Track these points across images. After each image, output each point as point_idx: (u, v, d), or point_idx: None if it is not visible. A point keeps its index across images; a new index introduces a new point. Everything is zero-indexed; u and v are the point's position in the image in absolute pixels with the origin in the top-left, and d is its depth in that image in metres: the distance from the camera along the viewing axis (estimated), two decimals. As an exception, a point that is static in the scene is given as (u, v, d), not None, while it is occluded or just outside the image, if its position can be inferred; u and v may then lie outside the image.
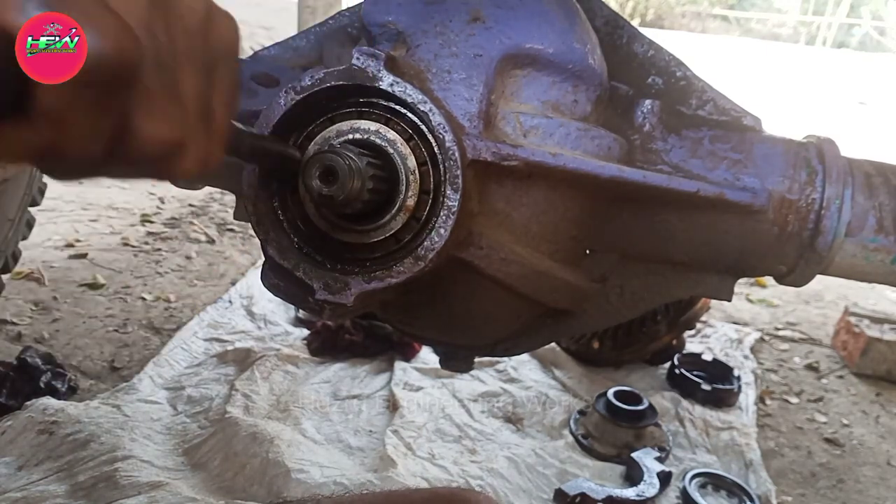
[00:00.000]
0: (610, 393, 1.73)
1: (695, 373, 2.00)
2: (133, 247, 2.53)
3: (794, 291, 2.75)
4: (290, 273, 0.60)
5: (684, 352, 2.10)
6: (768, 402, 2.06)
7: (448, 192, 0.59)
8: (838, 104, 8.89)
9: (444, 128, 0.59)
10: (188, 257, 2.53)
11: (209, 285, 2.33)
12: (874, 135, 6.62)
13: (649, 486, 1.50)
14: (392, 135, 0.61)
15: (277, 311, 2.14)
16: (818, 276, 0.82)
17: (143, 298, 2.18)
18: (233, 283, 2.33)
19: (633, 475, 1.56)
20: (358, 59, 0.59)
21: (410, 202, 0.61)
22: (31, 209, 1.79)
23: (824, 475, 1.76)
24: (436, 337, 0.90)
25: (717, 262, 0.82)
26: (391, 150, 0.61)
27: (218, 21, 0.44)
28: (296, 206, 0.64)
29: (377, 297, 0.60)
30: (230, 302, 2.16)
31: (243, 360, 1.82)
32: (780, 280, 0.84)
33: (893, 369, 2.25)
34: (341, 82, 0.59)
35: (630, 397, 1.74)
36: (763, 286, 2.90)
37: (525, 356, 2.03)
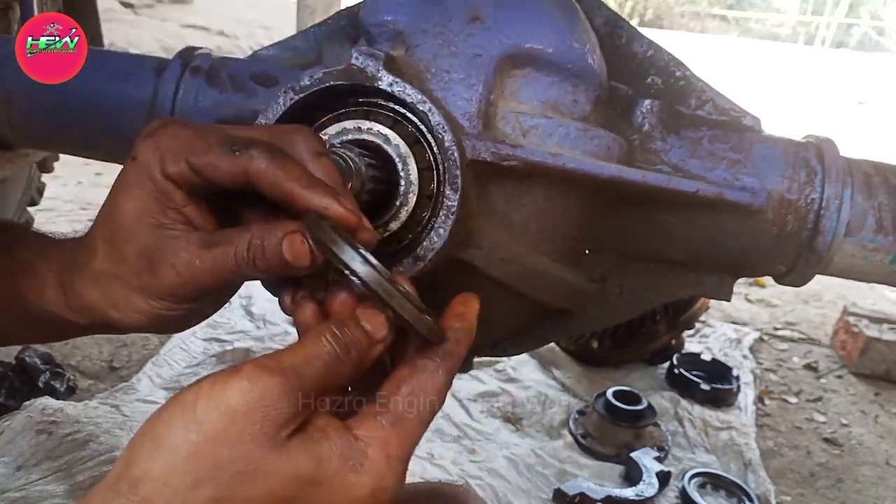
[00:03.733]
0: (609, 393, 1.74)
1: (694, 372, 2.00)
2: (132, 246, 2.52)
3: (792, 291, 2.75)
4: (290, 273, 0.60)
5: (683, 351, 2.10)
6: (767, 401, 2.07)
7: (447, 192, 0.59)
8: (837, 104, 8.89)
9: (443, 128, 0.59)
10: (187, 257, 2.53)
11: (208, 285, 2.33)
12: (873, 134, 6.63)
13: (648, 486, 1.50)
14: (395, 137, 0.61)
15: (276, 310, 2.13)
16: (817, 276, 0.83)
17: (142, 298, 2.17)
18: (232, 283, 2.33)
19: (632, 475, 1.56)
20: (357, 58, 0.59)
21: (409, 204, 0.61)
22: (30, 209, 1.79)
23: (823, 475, 1.77)
24: (435, 337, 0.90)
25: (716, 261, 0.82)
26: (392, 153, 0.61)
27: None
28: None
29: (376, 296, 0.60)
30: (229, 302, 2.16)
31: (242, 359, 1.81)
32: (780, 280, 0.84)
33: (892, 369, 2.25)
34: (340, 82, 0.59)
35: (629, 397, 1.74)
36: (762, 286, 2.90)
37: (524, 356, 2.03)
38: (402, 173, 0.60)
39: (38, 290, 0.51)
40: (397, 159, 0.61)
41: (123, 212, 0.47)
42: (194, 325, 0.55)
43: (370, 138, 0.61)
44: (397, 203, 0.60)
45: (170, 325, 0.52)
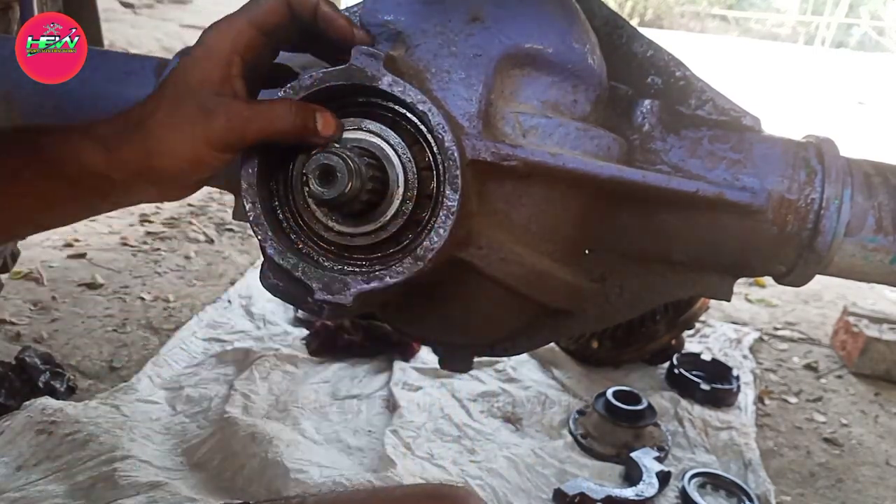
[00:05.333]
0: (609, 393, 1.74)
1: (694, 372, 2.00)
2: (132, 246, 2.53)
3: (792, 291, 2.75)
4: (289, 273, 0.60)
5: (683, 351, 2.10)
6: (767, 401, 2.07)
7: (447, 192, 0.59)
8: (837, 104, 8.89)
9: (443, 128, 0.59)
10: (187, 257, 2.53)
11: (208, 285, 2.33)
12: (873, 135, 6.63)
13: (648, 486, 1.50)
14: (393, 137, 0.61)
15: (276, 310, 2.14)
16: (817, 276, 0.82)
17: (142, 298, 2.18)
18: (232, 283, 2.33)
19: (632, 475, 1.56)
20: (357, 58, 0.59)
21: (408, 204, 0.61)
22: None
23: (823, 475, 1.77)
24: (435, 337, 0.90)
25: (716, 261, 0.82)
26: (390, 152, 0.61)
27: None
28: (295, 204, 0.64)
29: (376, 297, 0.60)
30: (229, 302, 2.16)
31: (242, 359, 1.82)
32: (780, 280, 0.84)
33: (892, 369, 2.25)
34: (340, 82, 0.59)
35: (629, 397, 1.74)
36: (762, 286, 2.90)
37: (524, 356, 2.03)
38: (399, 174, 0.61)
39: (77, 155, 0.61)
40: (395, 160, 0.61)
41: (191, 78, 0.60)
42: (203, 185, 0.66)
43: (369, 138, 0.62)
44: (396, 204, 0.60)
45: (202, 175, 0.63)
